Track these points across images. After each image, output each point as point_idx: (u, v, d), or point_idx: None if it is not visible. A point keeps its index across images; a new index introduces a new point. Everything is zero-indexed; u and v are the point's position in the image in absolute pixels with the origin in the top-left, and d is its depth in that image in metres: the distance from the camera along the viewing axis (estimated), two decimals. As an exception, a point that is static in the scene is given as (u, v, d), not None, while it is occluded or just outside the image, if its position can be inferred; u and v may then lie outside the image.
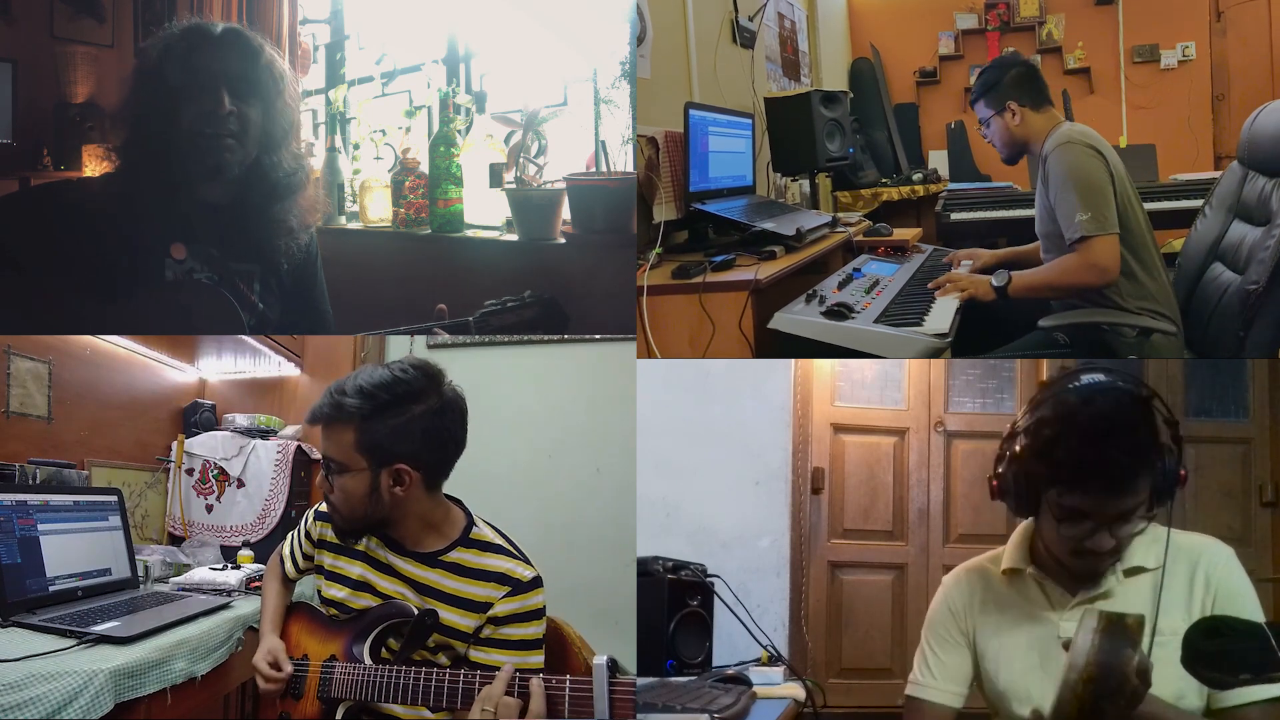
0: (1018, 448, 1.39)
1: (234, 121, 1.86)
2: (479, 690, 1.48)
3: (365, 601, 1.70)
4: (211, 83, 1.84)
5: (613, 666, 1.41)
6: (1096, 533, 1.33)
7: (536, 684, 1.44)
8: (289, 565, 1.88)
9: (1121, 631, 1.18)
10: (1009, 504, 1.44)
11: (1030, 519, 1.48)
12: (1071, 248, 2.40)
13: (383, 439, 1.59)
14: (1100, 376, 1.36)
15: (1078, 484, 1.31)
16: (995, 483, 1.45)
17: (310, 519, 1.83)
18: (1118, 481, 1.29)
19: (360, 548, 1.73)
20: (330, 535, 1.77)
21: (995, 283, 2.50)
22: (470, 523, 1.71)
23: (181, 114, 1.84)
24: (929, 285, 2.58)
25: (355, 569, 1.72)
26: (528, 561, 1.68)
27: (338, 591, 1.73)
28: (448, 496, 1.73)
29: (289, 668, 1.71)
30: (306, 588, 1.93)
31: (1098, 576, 1.41)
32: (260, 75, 1.89)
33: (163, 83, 1.85)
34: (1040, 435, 1.35)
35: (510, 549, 1.69)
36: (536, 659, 1.64)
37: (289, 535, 1.92)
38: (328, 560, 1.77)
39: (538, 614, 1.65)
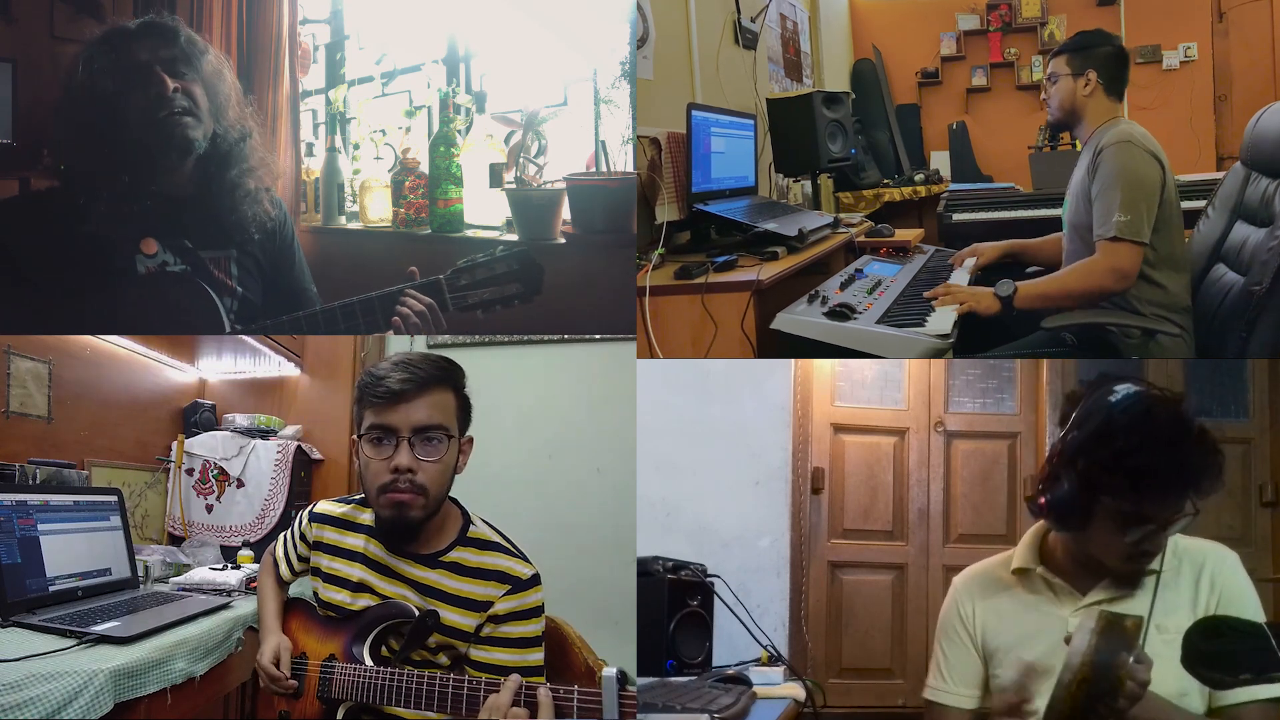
0: (1077, 464, 1.38)
1: (182, 97, 1.95)
2: (484, 696, 1.47)
3: (365, 603, 1.69)
4: (146, 70, 1.93)
5: (622, 678, 1.41)
6: (1156, 535, 1.36)
7: (544, 694, 1.42)
8: (284, 568, 1.86)
9: (1119, 633, 1.18)
10: (1055, 521, 1.45)
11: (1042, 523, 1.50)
12: (1097, 246, 2.37)
13: (468, 406, 1.66)
14: (1133, 385, 1.39)
15: (1155, 487, 1.32)
16: (1044, 501, 1.43)
17: (305, 520, 1.81)
18: (1188, 483, 1.32)
19: (358, 549, 1.71)
20: (326, 537, 1.75)
21: (999, 293, 2.40)
22: (467, 521, 1.71)
23: (129, 108, 1.92)
24: (925, 295, 2.49)
25: (354, 571, 1.71)
26: (526, 559, 1.67)
27: (336, 594, 1.72)
28: None
29: (288, 671, 1.69)
30: (305, 586, 1.92)
31: (1140, 577, 1.42)
32: (186, 50, 1.98)
33: (98, 88, 1.93)
34: (1110, 445, 1.34)
35: (508, 546, 1.69)
36: (537, 656, 1.64)
37: (281, 536, 1.90)
38: (324, 562, 1.75)
39: (537, 611, 1.65)
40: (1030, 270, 2.90)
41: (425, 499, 1.60)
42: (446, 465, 1.61)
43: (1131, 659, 1.18)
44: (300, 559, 1.83)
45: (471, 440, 1.69)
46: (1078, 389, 1.46)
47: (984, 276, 2.85)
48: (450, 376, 1.64)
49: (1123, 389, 1.39)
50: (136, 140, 1.93)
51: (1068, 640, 1.22)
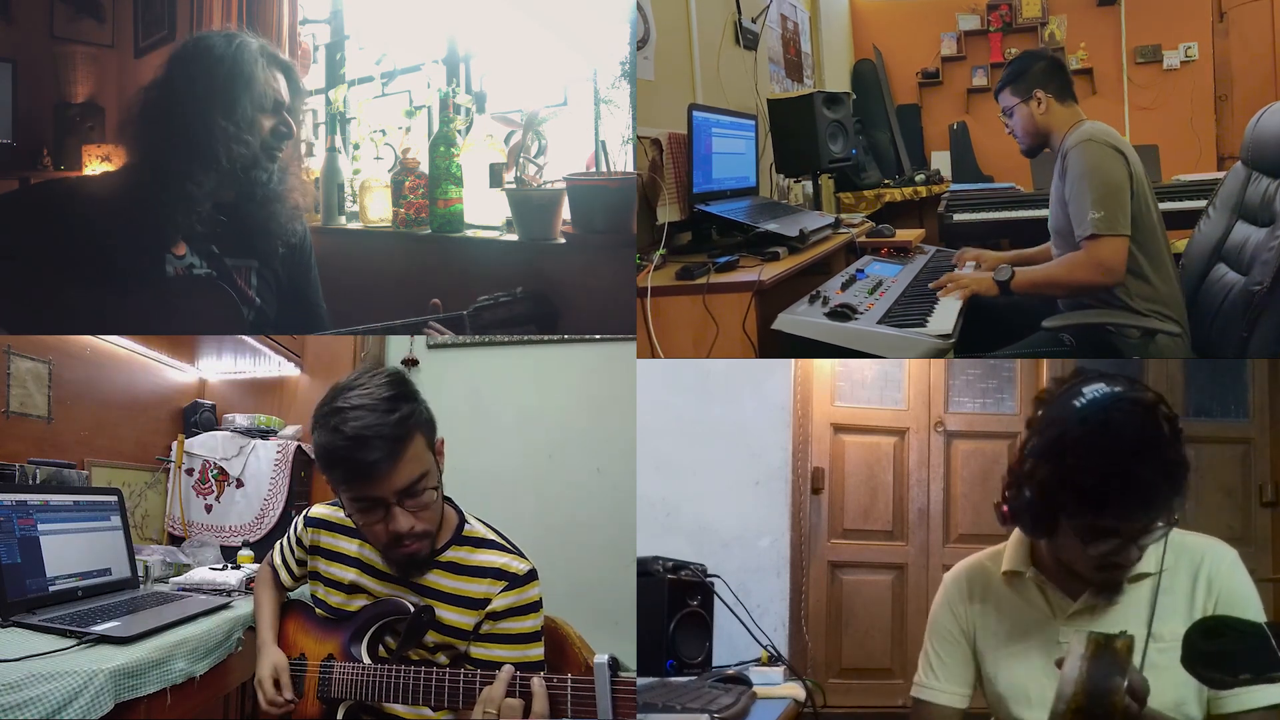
0: (1036, 474, 1.32)
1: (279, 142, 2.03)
2: (480, 690, 1.47)
3: (361, 604, 1.69)
4: (247, 88, 1.98)
5: (614, 665, 1.41)
6: (1125, 548, 1.30)
7: (538, 683, 1.43)
8: (284, 575, 1.85)
9: (1110, 657, 1.15)
10: (1023, 528, 1.40)
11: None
12: (1080, 245, 2.40)
13: (433, 423, 1.59)
14: (1103, 386, 1.30)
15: (1109, 505, 1.25)
16: (1006, 509, 1.39)
17: (300, 525, 1.81)
18: (1149, 497, 1.25)
19: (352, 554, 1.71)
20: (322, 541, 1.75)
21: (998, 278, 2.50)
22: (462, 520, 1.71)
23: (214, 116, 1.96)
24: (930, 285, 2.57)
25: (349, 574, 1.71)
26: (522, 555, 1.68)
27: (334, 596, 1.72)
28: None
29: (289, 693, 1.68)
30: (303, 588, 1.92)
31: (1119, 585, 1.38)
32: (294, 83, 2.07)
33: (195, 86, 1.96)
34: (1062, 460, 1.28)
35: (504, 543, 1.69)
36: (537, 651, 1.64)
37: (278, 544, 1.89)
38: (321, 566, 1.75)
39: (535, 606, 1.65)
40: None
41: (431, 537, 1.60)
42: (437, 497, 1.59)
43: (1126, 681, 1.14)
44: (299, 563, 1.83)
45: (443, 440, 1.61)
46: (1049, 387, 1.38)
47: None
48: (411, 417, 1.51)
49: (1090, 392, 1.30)
50: (211, 144, 1.96)
51: (1059, 664, 1.18)
